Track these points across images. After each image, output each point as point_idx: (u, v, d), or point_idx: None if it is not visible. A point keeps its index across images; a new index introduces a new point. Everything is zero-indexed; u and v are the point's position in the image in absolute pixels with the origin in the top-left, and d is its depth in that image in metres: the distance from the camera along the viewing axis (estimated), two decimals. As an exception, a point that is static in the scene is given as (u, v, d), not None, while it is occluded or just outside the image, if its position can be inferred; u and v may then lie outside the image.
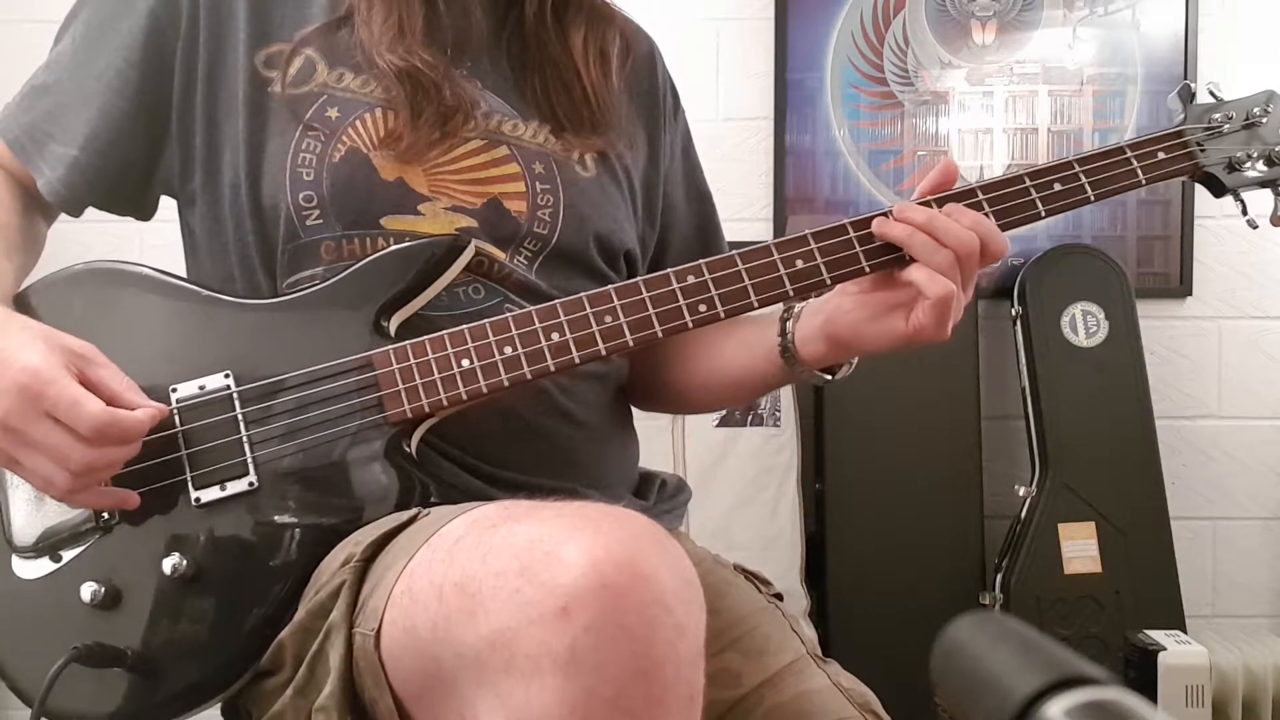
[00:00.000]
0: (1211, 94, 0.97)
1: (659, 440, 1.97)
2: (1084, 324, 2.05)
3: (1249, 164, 0.95)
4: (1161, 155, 0.94)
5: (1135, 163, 0.93)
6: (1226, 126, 0.95)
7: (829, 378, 0.95)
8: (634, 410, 1.07)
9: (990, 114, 2.20)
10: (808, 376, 0.95)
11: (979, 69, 2.20)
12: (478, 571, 0.62)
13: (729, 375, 1.01)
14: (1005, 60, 2.19)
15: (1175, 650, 1.80)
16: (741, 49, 2.20)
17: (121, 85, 0.92)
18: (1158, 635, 1.85)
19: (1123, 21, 2.18)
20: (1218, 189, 0.97)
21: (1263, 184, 0.96)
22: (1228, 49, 2.16)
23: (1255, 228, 0.97)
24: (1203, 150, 0.95)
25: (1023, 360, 2.06)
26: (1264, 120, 0.95)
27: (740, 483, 1.99)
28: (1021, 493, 2.00)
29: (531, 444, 0.92)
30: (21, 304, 0.87)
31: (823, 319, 0.91)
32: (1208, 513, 2.20)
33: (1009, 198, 0.90)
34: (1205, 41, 2.16)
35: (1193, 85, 0.97)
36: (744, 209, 2.17)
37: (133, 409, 0.78)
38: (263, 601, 0.80)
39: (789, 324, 0.94)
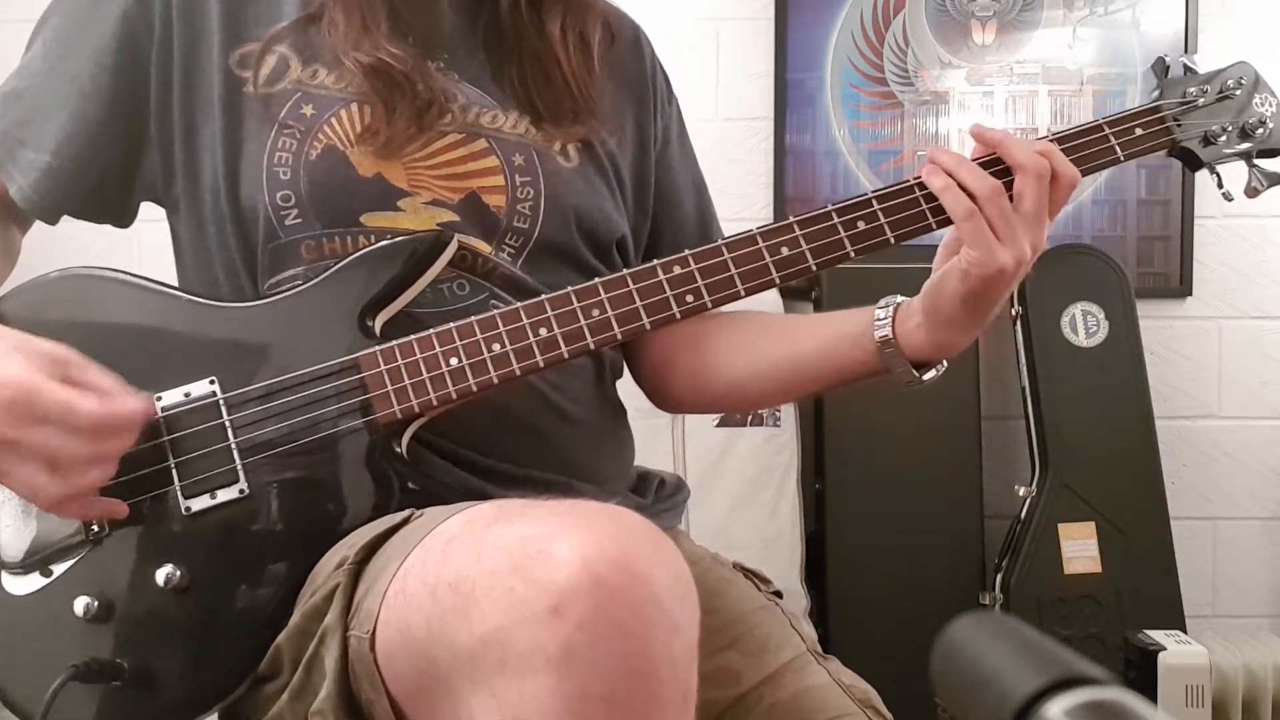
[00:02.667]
0: (1186, 67, 0.96)
1: (659, 440, 1.96)
2: (1084, 324, 2.04)
3: (1224, 137, 0.95)
4: (1138, 131, 0.93)
5: (1113, 139, 0.92)
6: (1202, 100, 0.95)
7: (916, 373, 0.92)
8: (632, 409, 1.06)
9: (990, 114, 2.19)
10: (899, 370, 0.92)
11: (979, 69, 2.20)
12: (471, 571, 0.62)
13: (805, 364, 0.98)
14: (1005, 60, 2.19)
15: (1175, 650, 1.79)
16: (741, 49, 2.20)
17: (95, 90, 0.91)
18: (1158, 635, 1.84)
19: (1123, 21, 2.18)
20: (1194, 163, 0.96)
21: (1237, 156, 0.96)
22: (1228, 49, 2.16)
23: (1230, 200, 0.96)
24: (1179, 124, 0.94)
25: (1023, 360, 2.06)
26: (1238, 93, 0.95)
27: (740, 482, 1.99)
28: (1021, 493, 2.00)
29: (525, 440, 0.92)
30: None
31: (919, 296, 0.91)
32: (1208, 513, 2.20)
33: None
34: (1205, 41, 2.16)
35: (1167, 59, 0.97)
36: (744, 209, 2.17)
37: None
38: (258, 608, 0.80)
39: (889, 308, 0.92)
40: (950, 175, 0.87)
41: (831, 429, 2.02)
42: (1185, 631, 1.90)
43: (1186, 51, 2.15)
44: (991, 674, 0.34)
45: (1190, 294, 2.19)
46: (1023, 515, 1.99)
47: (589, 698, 0.56)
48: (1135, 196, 2.19)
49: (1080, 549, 1.96)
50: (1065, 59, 2.19)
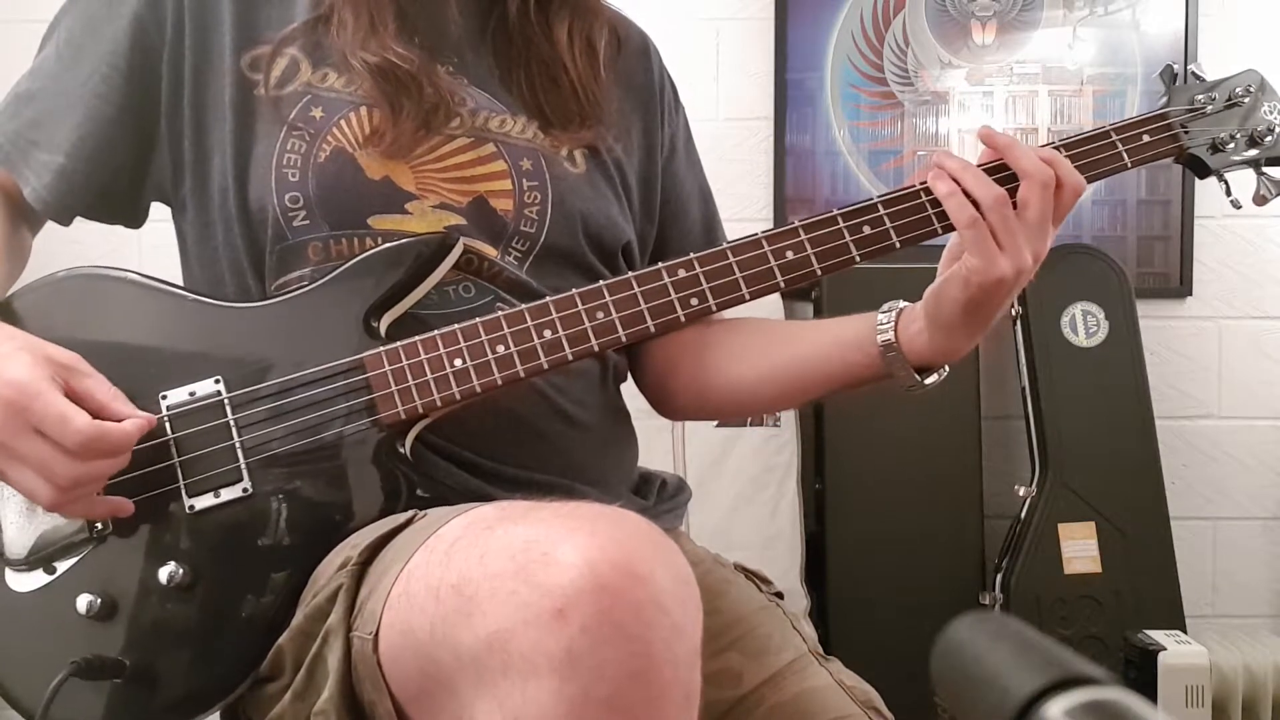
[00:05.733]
0: (1194, 75, 0.96)
1: (659, 440, 1.96)
2: (1084, 324, 2.04)
3: (1232, 145, 0.95)
4: (1146, 138, 0.93)
5: (1120, 146, 0.92)
6: (1210, 107, 0.95)
7: (919, 377, 0.92)
8: (633, 410, 1.07)
9: (990, 114, 2.19)
10: (902, 374, 0.92)
11: (979, 69, 2.20)
12: (474, 573, 0.62)
13: (808, 368, 0.98)
14: (1005, 60, 2.19)
15: (1175, 650, 1.79)
16: (741, 49, 2.20)
17: (107, 91, 0.91)
18: (1158, 635, 1.84)
19: (1123, 21, 2.18)
20: (1202, 170, 0.96)
21: (1245, 164, 0.96)
22: (1228, 49, 2.16)
23: (1239, 208, 0.97)
24: (1186, 132, 0.94)
25: (1023, 360, 2.06)
26: (1246, 100, 0.95)
27: (740, 482, 1.99)
28: (1021, 493, 2.00)
29: (529, 443, 0.92)
30: (5, 312, 0.86)
31: (921, 302, 0.91)
32: (1208, 513, 2.20)
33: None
34: (1205, 41, 2.16)
35: (1175, 66, 0.96)
36: (744, 209, 2.17)
37: (120, 419, 0.77)
38: (260, 607, 0.80)
39: (892, 313, 0.92)
40: (955, 181, 0.87)
41: (831, 429, 2.02)
42: (1185, 631, 1.90)
43: (1186, 52, 2.15)
44: (991, 674, 0.34)
45: (1190, 294, 2.19)
46: (1023, 515, 1.99)
47: (591, 700, 0.57)
48: (1135, 196, 2.19)
49: (1080, 549, 1.96)
50: (1065, 59, 2.19)
